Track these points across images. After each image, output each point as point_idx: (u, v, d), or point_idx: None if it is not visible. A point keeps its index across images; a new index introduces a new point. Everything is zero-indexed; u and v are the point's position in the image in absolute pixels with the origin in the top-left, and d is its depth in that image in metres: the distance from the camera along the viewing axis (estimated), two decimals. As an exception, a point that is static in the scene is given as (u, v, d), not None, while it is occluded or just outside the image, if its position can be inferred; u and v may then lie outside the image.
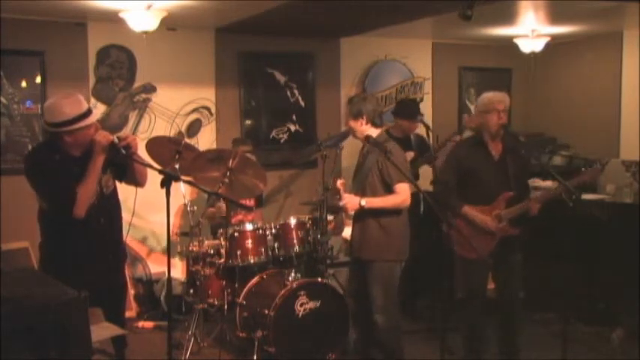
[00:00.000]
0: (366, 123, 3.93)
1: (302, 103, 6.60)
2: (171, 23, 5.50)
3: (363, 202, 3.86)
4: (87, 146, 3.39)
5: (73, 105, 3.34)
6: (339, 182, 4.09)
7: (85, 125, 3.34)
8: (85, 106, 3.39)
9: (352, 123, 3.99)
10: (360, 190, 3.95)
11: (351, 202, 3.89)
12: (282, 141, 6.56)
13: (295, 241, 4.64)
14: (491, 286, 4.20)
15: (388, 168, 3.83)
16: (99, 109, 5.64)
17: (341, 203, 3.93)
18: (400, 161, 3.85)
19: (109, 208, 3.62)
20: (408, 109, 5.42)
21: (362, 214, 3.95)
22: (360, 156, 4.14)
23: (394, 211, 3.93)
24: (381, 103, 4.13)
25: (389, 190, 3.90)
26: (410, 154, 5.09)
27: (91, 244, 3.51)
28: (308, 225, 4.69)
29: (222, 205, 4.88)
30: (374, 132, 3.96)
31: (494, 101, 3.95)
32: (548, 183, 5.27)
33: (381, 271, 3.95)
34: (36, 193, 3.46)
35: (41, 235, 3.58)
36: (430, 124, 5.54)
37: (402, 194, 3.87)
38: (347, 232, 4.13)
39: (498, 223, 3.94)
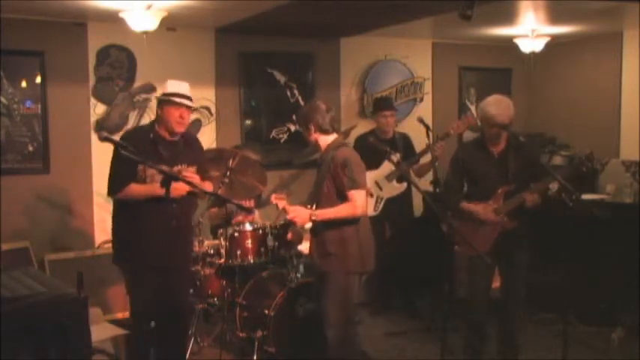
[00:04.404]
0: (315, 131, 3.81)
1: (302, 103, 6.59)
2: (171, 23, 5.50)
3: (313, 216, 3.66)
4: (175, 132, 3.80)
5: (179, 84, 3.79)
6: (273, 197, 3.84)
7: (176, 101, 3.72)
8: (184, 91, 3.79)
9: (304, 133, 3.90)
10: (316, 202, 3.76)
11: (299, 215, 3.68)
12: (282, 141, 6.55)
13: (295, 241, 4.63)
14: (495, 285, 4.20)
15: (340, 175, 3.64)
16: (99, 109, 5.65)
17: (288, 217, 3.71)
18: (354, 166, 3.68)
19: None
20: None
21: (317, 227, 3.75)
22: (318, 165, 3.93)
23: (351, 221, 3.69)
24: (331, 110, 3.92)
25: (344, 199, 3.67)
26: (396, 156, 5.07)
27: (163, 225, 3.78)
28: (308, 225, 4.68)
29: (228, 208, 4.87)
30: (326, 139, 3.83)
31: (496, 120, 3.87)
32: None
33: (335, 283, 3.72)
34: None
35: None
36: (430, 124, 5.53)
37: (354, 202, 3.63)
38: (306, 246, 3.96)
39: (495, 215, 3.95)
